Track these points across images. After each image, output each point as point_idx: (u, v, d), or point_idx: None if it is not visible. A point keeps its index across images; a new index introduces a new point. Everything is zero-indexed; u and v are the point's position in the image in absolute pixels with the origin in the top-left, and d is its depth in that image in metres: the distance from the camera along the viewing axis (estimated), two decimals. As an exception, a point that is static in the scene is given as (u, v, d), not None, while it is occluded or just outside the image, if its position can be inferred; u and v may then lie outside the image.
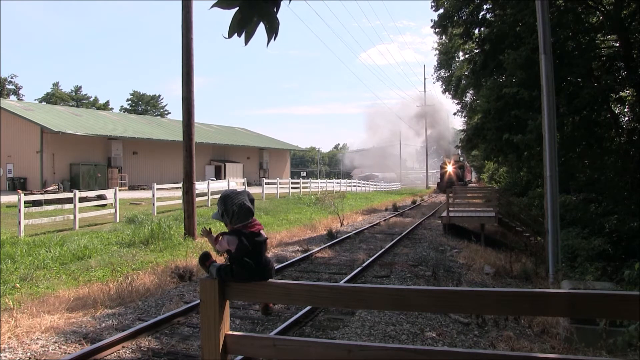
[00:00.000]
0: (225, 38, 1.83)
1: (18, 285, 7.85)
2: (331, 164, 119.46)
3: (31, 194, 19.77)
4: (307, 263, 10.77)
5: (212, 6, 1.79)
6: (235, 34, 1.83)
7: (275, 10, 1.84)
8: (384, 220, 20.95)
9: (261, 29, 1.85)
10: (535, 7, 10.67)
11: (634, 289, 6.15)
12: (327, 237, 14.50)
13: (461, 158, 52.25)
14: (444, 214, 17.08)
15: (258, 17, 1.82)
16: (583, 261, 10.46)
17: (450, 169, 50.17)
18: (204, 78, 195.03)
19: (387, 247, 12.77)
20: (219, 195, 2.51)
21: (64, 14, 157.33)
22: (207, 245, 10.18)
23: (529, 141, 13.65)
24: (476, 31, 18.75)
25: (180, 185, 17.75)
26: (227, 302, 2.38)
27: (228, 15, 1.81)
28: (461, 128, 47.57)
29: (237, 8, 1.80)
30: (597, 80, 15.47)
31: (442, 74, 38.72)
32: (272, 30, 1.83)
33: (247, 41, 1.85)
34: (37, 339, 5.58)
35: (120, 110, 73.48)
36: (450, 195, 18.47)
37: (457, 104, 38.34)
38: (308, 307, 6.54)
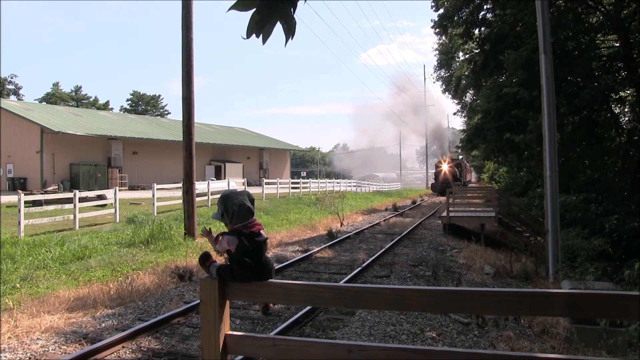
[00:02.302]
0: (244, 39, 1.87)
1: (18, 285, 7.84)
2: (331, 164, 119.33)
3: (31, 194, 19.77)
4: (307, 263, 10.78)
5: (230, 9, 1.83)
6: (254, 35, 1.87)
7: (292, 10, 1.87)
8: (384, 220, 20.95)
9: (277, 29, 1.89)
10: (535, 7, 10.68)
11: (634, 289, 6.15)
12: (327, 237, 14.50)
13: (460, 157, 48.49)
14: (444, 214, 17.08)
15: (276, 17, 1.85)
16: (583, 261, 10.45)
17: (445, 167, 45.31)
18: (204, 78, 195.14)
19: (387, 247, 12.77)
20: (219, 195, 2.51)
21: (64, 14, 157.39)
22: (207, 245, 10.18)
23: (529, 141, 13.64)
24: (476, 31, 18.75)
25: (180, 185, 17.74)
26: (227, 302, 2.38)
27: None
28: (461, 128, 47.35)
29: (255, 9, 1.83)
30: (597, 80, 15.46)
31: (442, 74, 38.75)
32: (290, 30, 1.87)
33: (264, 41, 1.89)
34: (37, 339, 5.58)
35: (120, 110, 73.48)
36: (450, 195, 18.45)
37: (457, 104, 38.40)
38: (308, 307, 6.54)
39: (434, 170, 53.29)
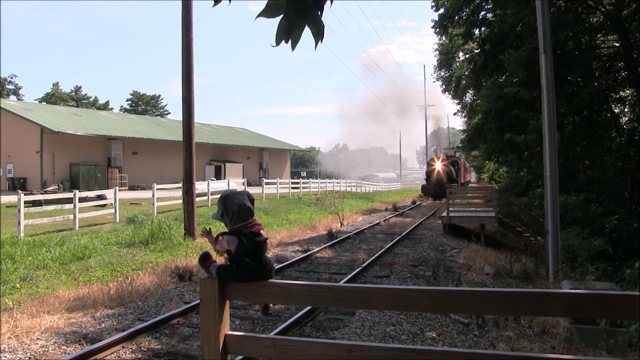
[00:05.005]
0: (273, 46, 1.90)
1: (18, 285, 7.84)
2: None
3: (31, 194, 19.76)
4: (307, 263, 10.77)
5: (258, 16, 1.85)
6: (283, 41, 1.89)
7: (319, 14, 1.89)
8: (384, 220, 20.95)
9: (306, 33, 1.91)
10: (536, 7, 10.68)
11: (635, 288, 6.15)
12: (327, 237, 14.49)
13: (457, 154, 43.42)
14: (444, 214, 17.07)
15: (304, 22, 1.87)
16: (583, 261, 10.46)
17: (438, 166, 38.47)
18: (204, 78, 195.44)
19: (387, 247, 12.76)
20: (219, 195, 2.51)
21: (64, 14, 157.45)
22: (207, 245, 10.18)
23: (529, 141, 13.65)
24: (476, 31, 18.74)
25: (180, 185, 17.74)
26: (227, 302, 2.38)
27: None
28: (461, 128, 47.03)
29: (282, 16, 1.85)
30: (597, 80, 15.46)
31: (442, 74, 38.65)
32: (319, 34, 1.89)
33: (294, 46, 1.91)
34: (37, 339, 5.57)
35: (120, 110, 73.39)
36: (450, 195, 18.42)
37: (457, 104, 38.28)
38: (308, 307, 6.54)
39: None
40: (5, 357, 5.07)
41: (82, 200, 15.77)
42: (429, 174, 39.56)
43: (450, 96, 38.09)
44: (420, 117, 70.00)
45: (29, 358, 5.10)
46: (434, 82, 40.55)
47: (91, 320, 6.36)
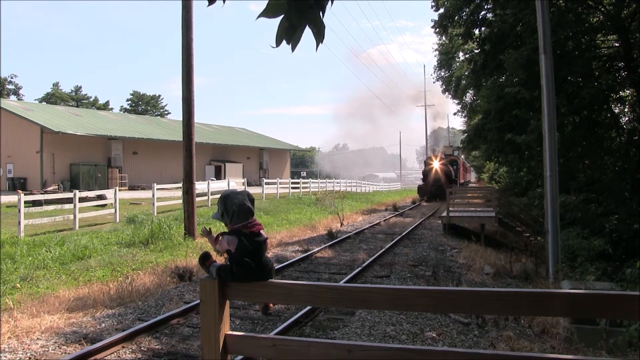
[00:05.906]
0: (273, 47, 1.87)
1: (18, 285, 7.85)
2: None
3: (31, 194, 19.77)
4: (307, 263, 10.77)
5: (259, 16, 1.83)
6: (284, 42, 1.87)
7: (321, 14, 1.87)
8: (384, 220, 20.94)
9: (306, 33, 1.90)
10: (536, 7, 10.68)
11: (635, 288, 6.15)
12: (327, 237, 14.49)
13: (455, 152, 41.69)
14: (444, 214, 17.07)
15: (305, 23, 1.86)
16: (583, 261, 10.45)
17: (436, 165, 36.03)
18: (204, 78, 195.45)
19: (387, 247, 12.76)
20: (219, 195, 2.51)
21: (64, 14, 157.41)
22: (207, 245, 10.18)
23: (529, 141, 13.66)
24: (476, 31, 18.75)
25: (180, 185, 17.74)
26: (227, 302, 2.38)
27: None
28: (461, 128, 46.84)
29: (283, 16, 1.83)
30: (597, 80, 15.47)
31: (442, 74, 38.61)
32: (320, 35, 1.88)
33: (294, 48, 1.89)
34: (37, 339, 5.58)
35: (120, 110, 73.37)
36: (450, 195, 18.41)
37: (457, 104, 38.27)
38: (308, 307, 6.54)
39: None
40: (5, 357, 5.07)
41: (82, 200, 15.77)
42: (426, 173, 37.20)
43: (450, 96, 38.08)
44: (418, 116, 70.10)
45: (29, 358, 5.10)
46: (434, 82, 40.26)
47: (91, 320, 6.36)
